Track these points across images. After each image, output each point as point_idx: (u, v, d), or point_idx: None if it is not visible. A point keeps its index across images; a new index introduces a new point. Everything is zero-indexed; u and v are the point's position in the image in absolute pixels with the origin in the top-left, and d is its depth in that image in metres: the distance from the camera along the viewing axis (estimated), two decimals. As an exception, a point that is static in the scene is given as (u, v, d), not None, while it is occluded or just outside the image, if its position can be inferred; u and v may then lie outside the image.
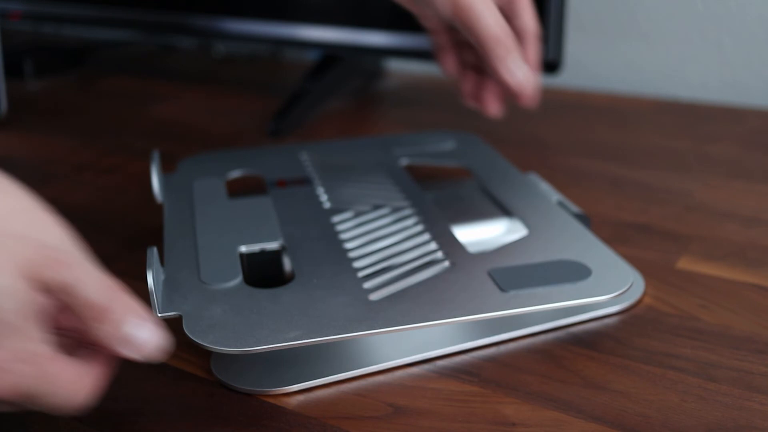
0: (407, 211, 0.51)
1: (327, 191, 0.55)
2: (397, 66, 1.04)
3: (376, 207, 0.52)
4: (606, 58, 0.97)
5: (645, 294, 0.48)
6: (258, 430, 0.38)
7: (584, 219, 0.52)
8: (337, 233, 0.49)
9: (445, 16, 0.51)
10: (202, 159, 0.62)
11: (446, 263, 0.44)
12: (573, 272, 0.43)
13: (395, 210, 0.52)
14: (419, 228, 0.49)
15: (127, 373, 0.42)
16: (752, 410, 0.38)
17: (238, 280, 0.43)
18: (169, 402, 0.40)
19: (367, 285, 0.42)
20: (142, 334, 0.33)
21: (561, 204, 0.53)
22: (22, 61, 1.04)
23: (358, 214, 0.51)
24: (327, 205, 0.53)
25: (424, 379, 0.41)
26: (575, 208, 0.53)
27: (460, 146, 0.64)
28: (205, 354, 0.43)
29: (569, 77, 0.95)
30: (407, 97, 0.95)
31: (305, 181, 0.57)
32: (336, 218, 0.51)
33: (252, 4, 0.91)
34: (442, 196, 0.56)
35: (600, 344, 0.44)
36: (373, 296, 0.41)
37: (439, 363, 0.42)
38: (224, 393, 0.40)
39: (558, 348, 0.43)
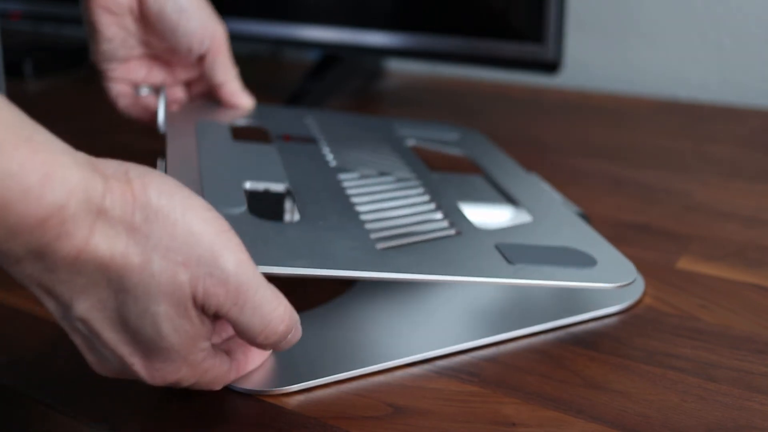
0: (413, 183, 0.51)
1: (333, 152, 0.54)
2: (397, 66, 1.04)
3: (382, 174, 0.51)
4: (606, 58, 0.97)
5: (645, 294, 0.48)
6: (258, 430, 0.38)
7: (584, 219, 0.52)
8: (343, 189, 0.48)
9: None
10: (208, 105, 0.60)
11: (452, 231, 0.44)
12: (579, 259, 0.43)
13: (401, 179, 0.51)
14: (425, 198, 0.48)
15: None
16: (752, 410, 0.38)
17: (243, 209, 0.42)
18: (170, 402, 0.40)
19: (374, 235, 0.42)
20: (291, 341, 0.38)
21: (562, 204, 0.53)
22: (22, 61, 1.04)
23: (363, 177, 0.50)
24: (333, 163, 0.52)
25: (424, 379, 0.41)
26: (575, 208, 0.53)
27: (464, 139, 0.63)
28: (205, 354, 0.43)
29: (569, 77, 0.95)
30: (407, 97, 0.95)
31: (310, 140, 0.56)
32: (342, 176, 0.50)
33: (252, 4, 0.91)
34: (447, 178, 0.56)
35: (600, 344, 0.44)
36: (381, 245, 0.41)
37: (439, 363, 0.42)
38: (224, 393, 0.40)
39: (558, 348, 0.43)
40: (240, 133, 0.56)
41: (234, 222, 0.39)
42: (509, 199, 0.52)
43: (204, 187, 0.44)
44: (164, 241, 0.32)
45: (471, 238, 0.43)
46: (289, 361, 0.42)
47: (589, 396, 0.40)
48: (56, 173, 0.30)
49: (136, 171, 0.33)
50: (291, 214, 0.48)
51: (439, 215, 0.46)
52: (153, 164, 0.54)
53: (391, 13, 0.86)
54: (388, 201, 0.47)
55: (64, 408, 0.39)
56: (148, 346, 0.34)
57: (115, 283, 0.33)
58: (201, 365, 0.36)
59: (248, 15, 0.91)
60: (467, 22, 0.81)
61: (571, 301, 0.47)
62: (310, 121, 0.60)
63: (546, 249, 0.43)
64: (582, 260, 0.43)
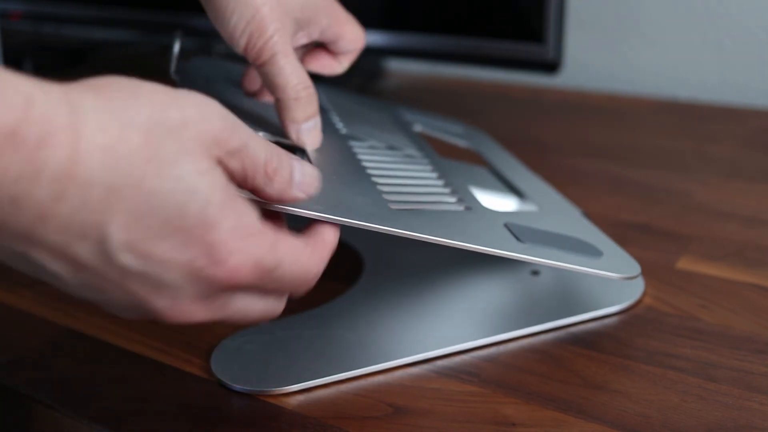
0: (422, 161, 0.50)
1: (342, 121, 0.53)
2: (397, 66, 1.04)
3: (391, 147, 0.51)
4: (606, 58, 0.97)
5: (645, 294, 0.48)
6: (258, 430, 0.38)
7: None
8: (355, 153, 0.47)
9: (238, 51, 0.44)
10: (219, 63, 0.58)
11: (461, 207, 0.44)
12: (585, 248, 0.43)
13: (409, 156, 0.51)
14: (434, 176, 0.48)
15: (127, 373, 0.42)
16: (752, 410, 0.38)
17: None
18: (169, 402, 0.40)
19: (387, 197, 0.42)
20: (307, 173, 0.34)
21: None
22: (22, 61, 1.03)
23: (373, 147, 0.50)
24: (344, 131, 0.51)
25: (424, 379, 0.41)
26: (575, 208, 0.53)
27: (469, 133, 0.63)
28: (206, 354, 0.43)
29: (569, 77, 0.95)
30: (407, 97, 0.95)
31: (320, 110, 0.56)
32: (353, 143, 0.49)
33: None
34: (455, 164, 0.56)
35: (600, 344, 0.44)
36: (394, 206, 0.40)
37: (439, 363, 0.42)
38: (224, 393, 0.40)
39: (558, 348, 0.43)
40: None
41: None
42: (515, 191, 0.52)
43: None
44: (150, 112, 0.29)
45: (480, 215, 0.43)
46: (289, 361, 0.42)
47: (589, 396, 0.40)
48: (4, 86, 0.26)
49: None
50: None
51: (447, 191, 0.46)
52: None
53: (391, 13, 0.86)
54: (398, 170, 0.47)
55: (64, 408, 0.40)
56: (203, 231, 0.30)
57: (131, 176, 0.28)
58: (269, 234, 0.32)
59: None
60: (467, 22, 0.81)
61: (571, 301, 0.47)
62: (320, 94, 0.60)
63: (554, 234, 0.43)
64: (588, 250, 0.43)
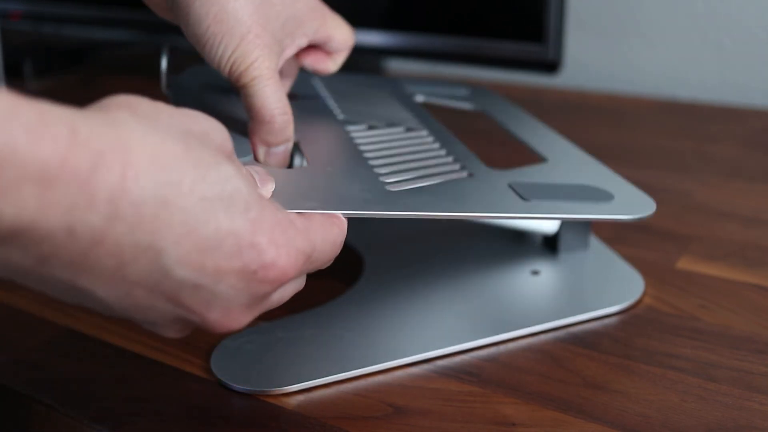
0: (422, 132, 0.50)
1: (340, 107, 0.53)
2: (397, 66, 1.04)
3: (390, 125, 0.51)
4: (606, 58, 0.97)
5: (645, 294, 0.48)
6: (258, 430, 0.38)
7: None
8: (351, 139, 0.47)
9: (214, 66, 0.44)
10: (212, 70, 0.59)
11: (464, 173, 0.43)
12: (594, 194, 0.42)
13: (409, 129, 0.50)
14: (435, 145, 0.48)
15: (127, 373, 0.42)
16: (752, 410, 0.38)
17: (249, 158, 0.41)
18: (169, 402, 0.40)
19: (384, 179, 0.41)
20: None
21: None
22: (22, 61, 1.04)
23: (371, 128, 0.50)
24: (341, 116, 0.51)
25: (424, 379, 0.41)
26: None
27: (475, 95, 0.63)
28: (205, 354, 0.43)
29: (569, 77, 0.95)
30: (407, 97, 0.95)
31: (317, 98, 0.55)
32: (350, 128, 0.49)
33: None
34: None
35: (600, 344, 0.44)
36: (391, 188, 0.40)
37: (439, 363, 0.42)
38: (224, 393, 0.40)
39: (558, 348, 0.43)
40: None
41: None
42: (523, 144, 0.51)
43: None
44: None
45: (484, 179, 0.43)
46: (289, 361, 0.42)
47: (589, 396, 0.40)
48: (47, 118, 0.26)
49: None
50: (300, 164, 0.47)
51: (450, 159, 0.46)
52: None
53: (391, 13, 0.86)
54: (397, 148, 0.46)
55: (64, 408, 0.40)
56: (250, 233, 0.30)
57: (180, 185, 0.28)
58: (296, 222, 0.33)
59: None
60: (467, 22, 0.81)
61: (571, 301, 0.47)
62: (317, 82, 0.60)
63: (561, 186, 0.42)
64: (598, 196, 0.42)
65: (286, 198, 0.36)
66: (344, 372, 0.41)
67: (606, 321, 0.46)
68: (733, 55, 0.90)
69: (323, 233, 0.35)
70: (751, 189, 0.64)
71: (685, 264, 0.52)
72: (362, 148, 0.46)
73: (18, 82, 1.01)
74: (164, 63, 0.50)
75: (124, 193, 0.27)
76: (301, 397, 0.40)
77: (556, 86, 0.95)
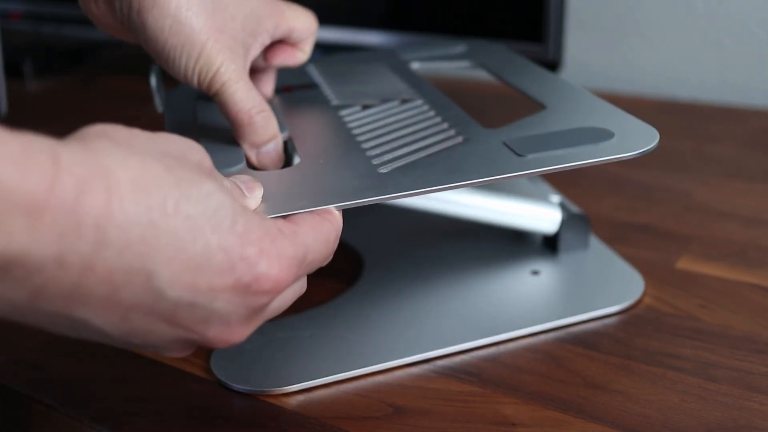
0: (417, 101, 0.50)
1: (334, 92, 0.53)
2: (397, 66, 1.04)
3: (385, 100, 0.51)
4: (606, 57, 0.97)
5: (645, 294, 0.48)
6: (258, 430, 0.38)
7: (584, 219, 0.52)
8: (345, 124, 0.47)
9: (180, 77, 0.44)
10: None
11: (459, 139, 0.43)
12: (594, 135, 0.41)
13: (405, 101, 0.50)
14: (431, 113, 0.47)
15: (127, 373, 0.42)
16: (752, 410, 0.38)
17: (242, 165, 0.41)
18: (169, 402, 0.40)
19: (376, 161, 0.41)
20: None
21: (561, 204, 0.53)
22: (22, 61, 1.04)
23: (365, 108, 0.50)
24: (334, 102, 0.51)
25: (424, 379, 0.41)
26: (575, 208, 0.53)
27: (473, 49, 0.62)
28: (205, 354, 0.43)
29: (569, 77, 0.95)
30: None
31: (312, 86, 0.55)
32: (343, 112, 0.49)
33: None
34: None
35: (600, 344, 0.44)
36: (383, 169, 0.40)
37: (439, 363, 0.42)
38: (224, 393, 0.40)
39: (558, 348, 0.43)
40: None
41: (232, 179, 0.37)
42: (522, 93, 0.51)
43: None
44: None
45: (478, 142, 0.42)
46: (289, 361, 0.42)
47: (589, 396, 0.40)
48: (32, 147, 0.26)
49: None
50: (294, 161, 0.47)
51: (445, 125, 0.45)
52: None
53: (390, 13, 0.86)
54: (390, 125, 0.46)
55: (64, 408, 0.40)
56: (239, 246, 0.30)
57: (164, 206, 0.28)
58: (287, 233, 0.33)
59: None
60: (467, 22, 0.81)
61: (571, 301, 0.47)
62: (311, 69, 0.59)
63: (558, 134, 0.42)
64: (598, 136, 0.41)
65: (276, 200, 0.36)
66: (344, 372, 0.41)
67: (606, 321, 0.46)
68: (733, 55, 0.90)
69: (314, 233, 0.34)
70: (751, 189, 0.64)
71: (685, 264, 0.52)
72: (355, 131, 0.46)
73: (18, 82, 1.01)
74: (153, 81, 0.50)
75: (110, 218, 0.27)
76: (301, 397, 0.40)
77: (556, 86, 0.95)
